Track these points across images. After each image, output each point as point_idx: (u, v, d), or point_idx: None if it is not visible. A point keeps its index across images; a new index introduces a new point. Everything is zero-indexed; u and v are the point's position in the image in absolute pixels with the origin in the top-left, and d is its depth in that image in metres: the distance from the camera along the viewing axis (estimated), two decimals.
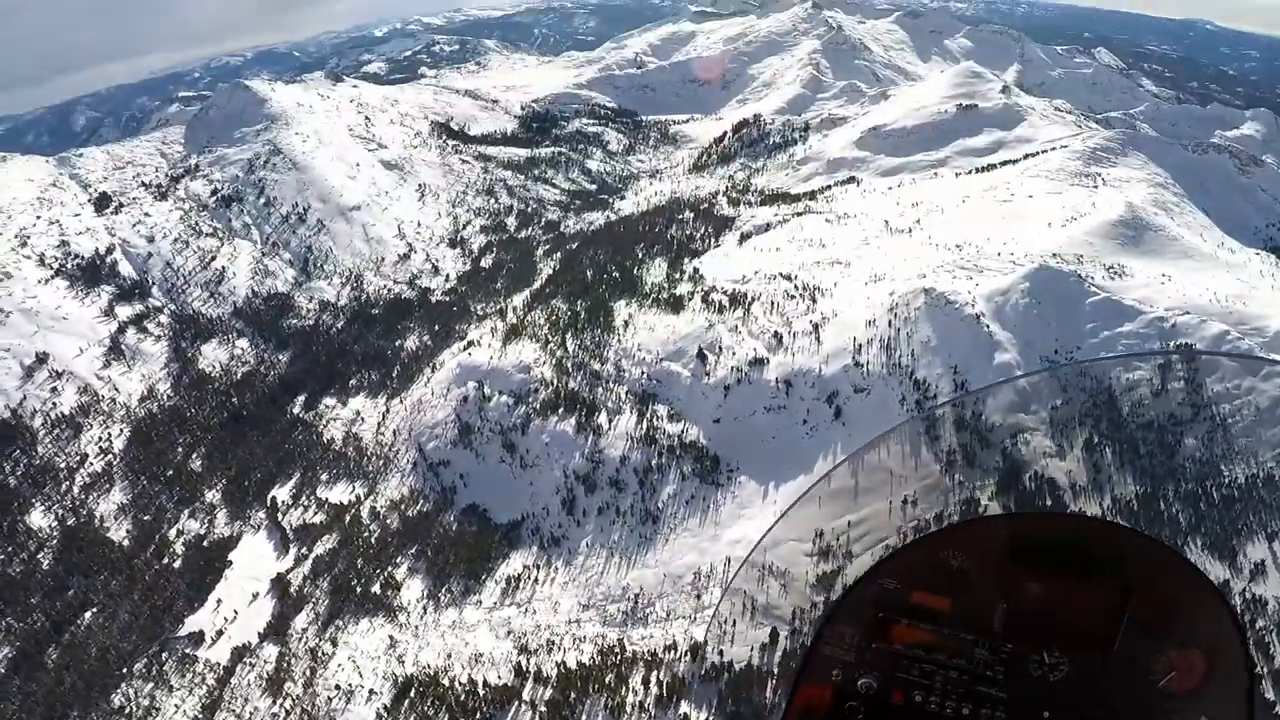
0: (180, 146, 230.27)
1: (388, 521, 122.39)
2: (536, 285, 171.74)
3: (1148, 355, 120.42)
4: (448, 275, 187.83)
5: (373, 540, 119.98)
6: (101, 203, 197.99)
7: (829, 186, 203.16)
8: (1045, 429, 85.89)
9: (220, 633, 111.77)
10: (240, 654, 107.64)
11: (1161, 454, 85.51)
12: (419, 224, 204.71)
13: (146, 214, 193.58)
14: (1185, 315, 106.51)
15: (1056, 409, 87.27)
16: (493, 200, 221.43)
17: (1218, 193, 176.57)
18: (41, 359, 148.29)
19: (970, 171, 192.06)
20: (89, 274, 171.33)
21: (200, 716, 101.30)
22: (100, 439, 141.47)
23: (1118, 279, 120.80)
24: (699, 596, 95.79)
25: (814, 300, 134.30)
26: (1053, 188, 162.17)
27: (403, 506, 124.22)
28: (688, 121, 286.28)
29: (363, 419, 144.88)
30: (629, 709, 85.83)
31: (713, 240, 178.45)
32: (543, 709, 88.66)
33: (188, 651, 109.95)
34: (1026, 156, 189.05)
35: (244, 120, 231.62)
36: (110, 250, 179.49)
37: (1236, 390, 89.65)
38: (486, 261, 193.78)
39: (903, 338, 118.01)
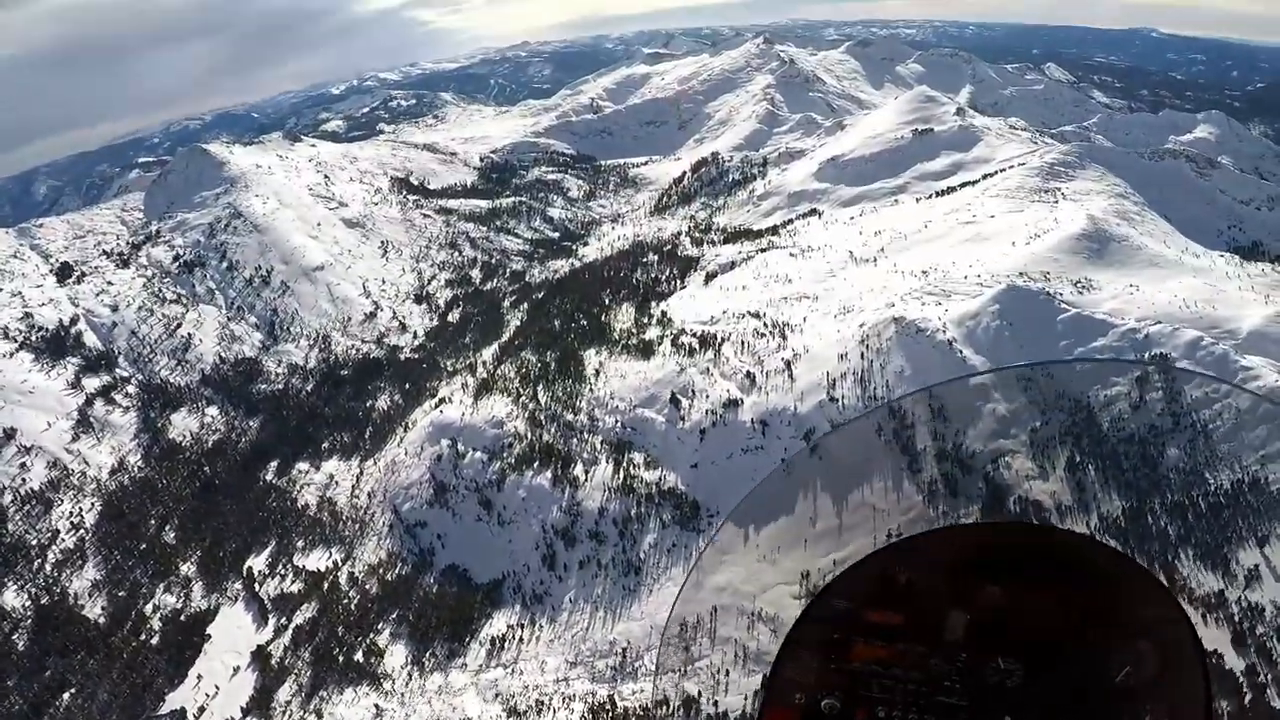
0: (140, 213, 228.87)
1: (367, 587, 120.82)
2: (505, 337, 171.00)
3: (1118, 363, 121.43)
4: (415, 332, 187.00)
5: (352, 607, 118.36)
6: (63, 273, 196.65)
7: (791, 220, 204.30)
8: (1026, 451, 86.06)
9: (202, 710, 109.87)
10: None
11: (1145, 467, 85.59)
12: (384, 281, 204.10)
13: (109, 283, 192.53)
14: (1157, 325, 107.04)
15: (1036, 430, 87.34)
16: (456, 253, 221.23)
17: (1177, 198, 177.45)
18: (9, 434, 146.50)
19: (930, 196, 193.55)
20: (54, 345, 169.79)
21: None
22: (71, 514, 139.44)
23: (1086, 293, 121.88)
24: (687, 648, 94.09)
25: (784, 337, 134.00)
26: (1014, 206, 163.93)
27: (381, 571, 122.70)
28: (646, 164, 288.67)
29: (336, 482, 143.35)
30: None
31: (678, 281, 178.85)
32: None
33: None
34: (985, 177, 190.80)
35: (203, 184, 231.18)
36: (74, 321, 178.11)
37: (1216, 395, 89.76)
38: (454, 316, 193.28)
39: (876, 369, 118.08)
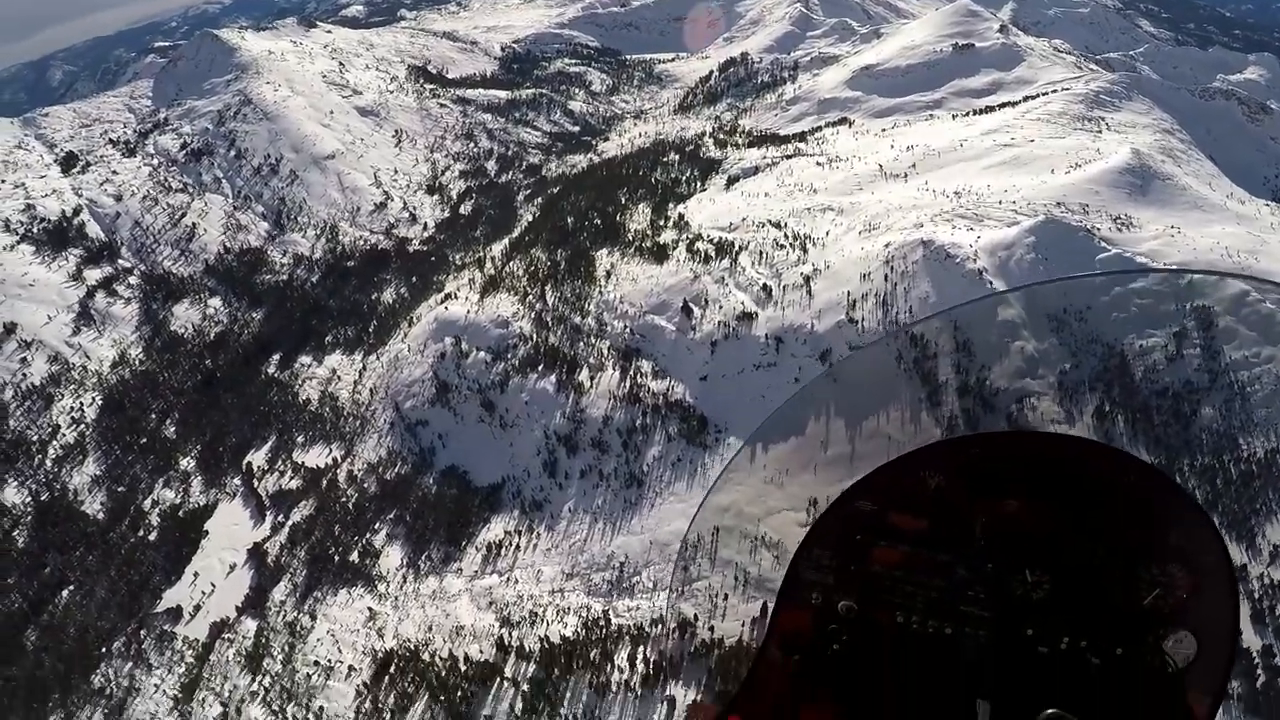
0: (149, 101, 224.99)
1: (365, 485, 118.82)
2: (516, 233, 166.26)
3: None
4: (425, 224, 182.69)
5: (350, 506, 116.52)
6: (68, 162, 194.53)
7: (819, 128, 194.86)
8: (1053, 394, 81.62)
9: (198, 607, 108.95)
10: (219, 629, 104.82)
11: (1176, 424, 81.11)
12: (396, 171, 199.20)
13: (114, 172, 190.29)
14: (1201, 274, 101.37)
15: (1065, 373, 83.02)
16: (472, 144, 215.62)
17: (1225, 141, 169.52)
18: (9, 329, 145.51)
19: (968, 114, 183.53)
20: (56, 237, 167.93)
21: (180, 696, 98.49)
22: (72, 409, 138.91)
23: (1125, 230, 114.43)
24: (686, 568, 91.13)
25: (805, 251, 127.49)
26: (1055, 132, 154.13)
27: (380, 469, 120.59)
28: (673, 60, 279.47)
29: (339, 377, 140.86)
30: (614, 688, 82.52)
31: (698, 184, 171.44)
32: (525, 687, 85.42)
33: (166, 628, 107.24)
34: (1026, 99, 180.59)
35: (214, 71, 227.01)
36: (77, 211, 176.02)
37: (1256, 358, 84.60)
38: (465, 208, 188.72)
39: (900, 293, 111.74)
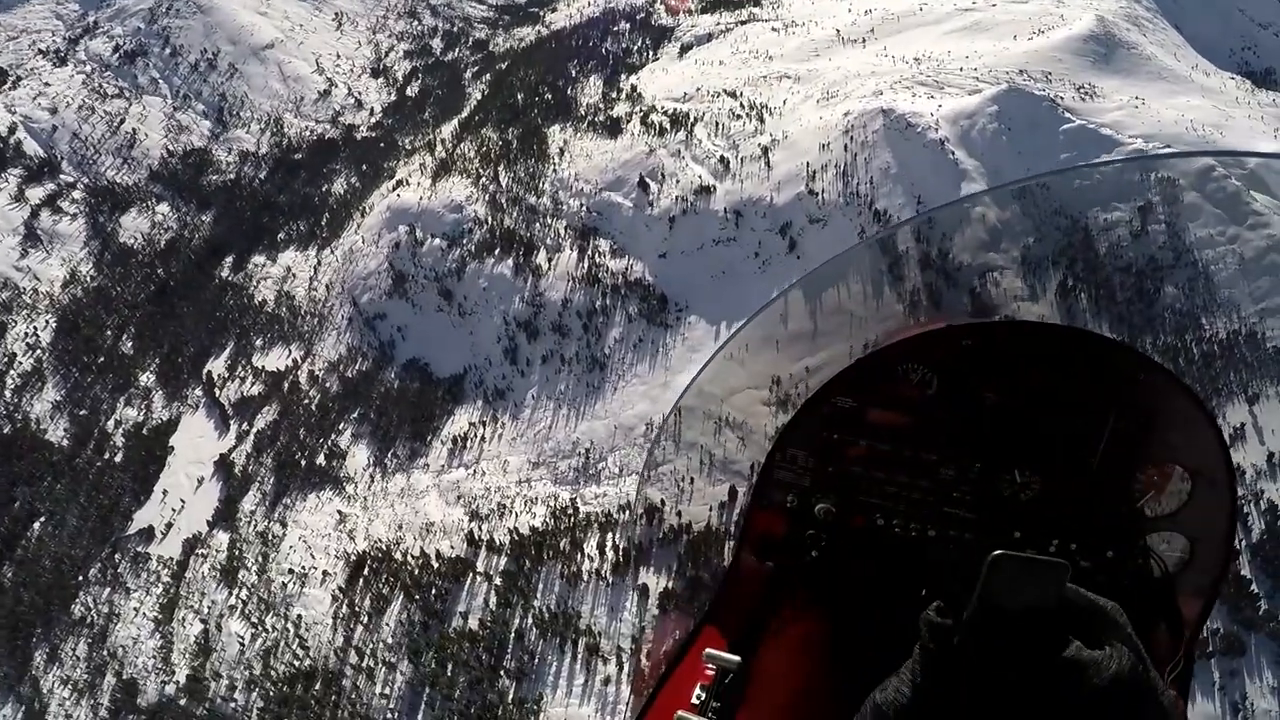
0: (76, 5, 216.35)
1: (327, 385, 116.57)
2: (465, 113, 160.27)
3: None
4: (372, 109, 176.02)
5: (313, 408, 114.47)
6: None
7: None
8: (1016, 269, 78.67)
9: (170, 525, 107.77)
10: (192, 546, 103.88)
11: (1140, 302, 79.10)
12: (338, 56, 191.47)
13: (47, 84, 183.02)
14: (1167, 147, 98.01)
15: (1029, 248, 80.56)
16: (416, 23, 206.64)
17: (1192, 10, 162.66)
18: None
19: None
20: None
21: (160, 618, 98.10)
22: (26, 335, 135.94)
23: (1089, 100, 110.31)
24: (650, 451, 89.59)
25: (762, 121, 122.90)
26: None
27: (341, 367, 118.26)
28: None
29: (294, 275, 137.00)
30: (585, 577, 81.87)
31: (650, 54, 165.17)
32: (498, 581, 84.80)
33: (139, 550, 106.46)
34: None
35: None
36: (13, 130, 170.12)
37: (1220, 237, 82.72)
38: (412, 90, 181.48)
39: (860, 164, 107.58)
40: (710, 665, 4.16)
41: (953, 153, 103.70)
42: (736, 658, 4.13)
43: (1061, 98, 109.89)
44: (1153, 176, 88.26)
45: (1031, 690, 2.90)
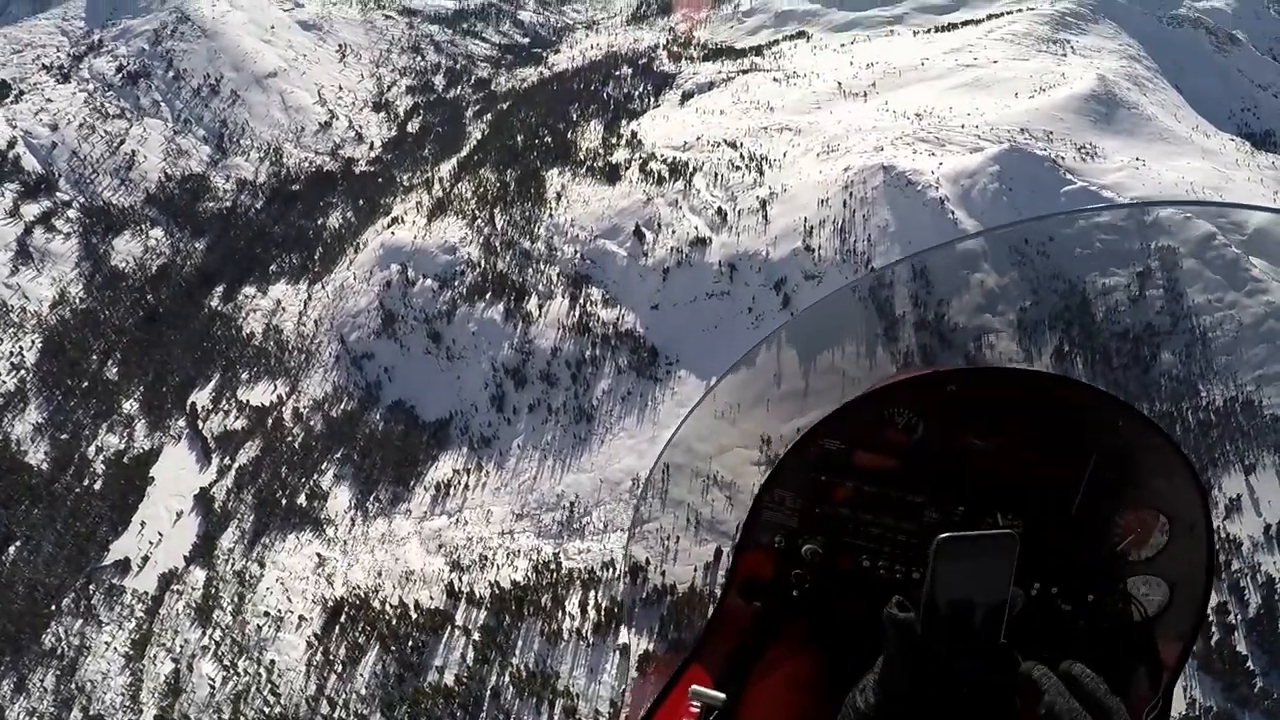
0: (83, 22, 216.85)
1: (311, 424, 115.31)
2: (465, 152, 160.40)
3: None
4: (372, 143, 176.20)
5: (297, 445, 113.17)
6: (0, 92, 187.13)
7: (777, 41, 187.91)
8: (1012, 332, 77.98)
9: (146, 559, 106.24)
10: (167, 581, 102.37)
11: (1136, 367, 78.61)
12: (340, 88, 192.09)
13: (49, 100, 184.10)
14: (1169, 210, 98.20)
15: (1025, 310, 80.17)
16: (419, 58, 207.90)
17: (1192, 70, 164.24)
18: None
19: (929, 30, 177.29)
20: None
21: (131, 653, 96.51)
22: (12, 354, 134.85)
23: (1090, 160, 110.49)
24: (637, 508, 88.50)
25: (761, 173, 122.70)
26: (1019, 53, 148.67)
27: (326, 406, 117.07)
28: None
29: (284, 308, 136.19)
30: (566, 635, 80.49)
31: (652, 100, 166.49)
32: (476, 636, 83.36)
33: (114, 582, 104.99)
34: (990, 17, 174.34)
35: None
36: (12, 144, 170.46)
37: (1219, 303, 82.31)
38: (413, 126, 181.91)
39: (858, 220, 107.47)
40: (695, 703, 4.07)
41: (952, 212, 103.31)
42: (722, 695, 4.07)
43: (1062, 157, 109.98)
44: (1152, 245, 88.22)
45: (992, 682, 3.15)
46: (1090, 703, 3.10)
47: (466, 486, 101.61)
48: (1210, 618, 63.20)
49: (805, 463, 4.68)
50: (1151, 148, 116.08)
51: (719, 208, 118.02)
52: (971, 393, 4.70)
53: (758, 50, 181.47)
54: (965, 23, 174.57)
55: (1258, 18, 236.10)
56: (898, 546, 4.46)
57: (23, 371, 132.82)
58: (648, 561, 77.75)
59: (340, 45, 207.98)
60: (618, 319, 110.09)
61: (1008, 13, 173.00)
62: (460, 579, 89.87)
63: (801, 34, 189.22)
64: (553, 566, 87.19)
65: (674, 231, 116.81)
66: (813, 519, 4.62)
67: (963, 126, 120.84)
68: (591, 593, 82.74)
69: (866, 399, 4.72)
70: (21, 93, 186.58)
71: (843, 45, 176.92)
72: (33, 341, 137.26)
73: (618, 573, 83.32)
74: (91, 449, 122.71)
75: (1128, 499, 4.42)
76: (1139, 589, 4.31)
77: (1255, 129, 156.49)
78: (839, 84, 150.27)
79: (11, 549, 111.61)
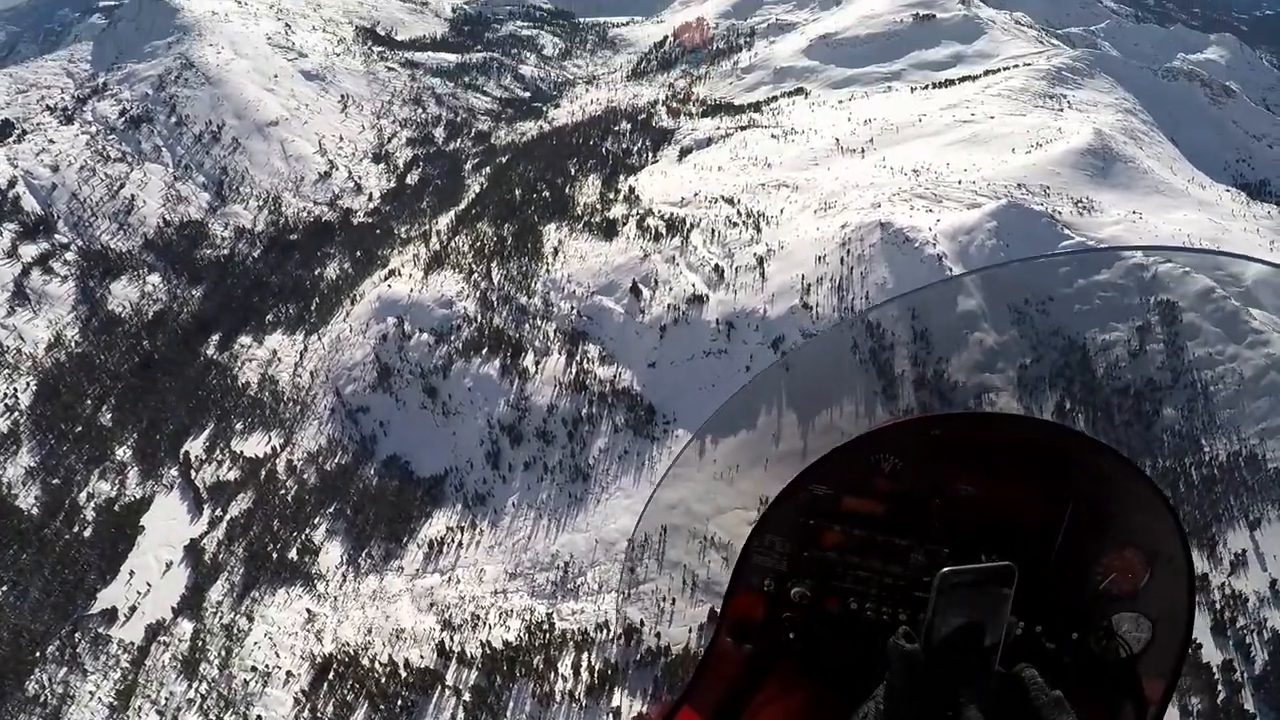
0: (88, 65, 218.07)
1: (305, 477, 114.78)
2: (463, 205, 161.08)
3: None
4: (371, 194, 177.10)
5: (289, 499, 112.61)
6: (3, 131, 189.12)
7: (775, 97, 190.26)
8: (1013, 390, 78.33)
9: (134, 608, 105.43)
10: (154, 632, 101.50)
11: (1138, 424, 78.71)
12: (341, 138, 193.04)
13: (51, 141, 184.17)
14: (1167, 264, 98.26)
15: (1025, 367, 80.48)
16: (420, 110, 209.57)
17: (1187, 123, 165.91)
18: None
19: (927, 87, 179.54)
20: None
21: (115, 704, 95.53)
22: (5, 395, 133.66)
23: (1087, 215, 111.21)
24: (633, 569, 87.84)
25: (758, 230, 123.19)
26: (1016, 109, 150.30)
27: (320, 459, 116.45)
28: (627, 24, 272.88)
29: (279, 359, 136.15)
30: (558, 697, 79.59)
31: (650, 155, 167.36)
32: (467, 696, 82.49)
33: (101, 631, 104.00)
34: (987, 73, 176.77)
35: (154, 33, 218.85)
36: (13, 184, 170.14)
37: (1219, 356, 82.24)
38: (412, 178, 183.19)
39: (856, 278, 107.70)
40: None
41: (950, 269, 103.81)
42: None
43: (1059, 212, 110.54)
44: (1152, 300, 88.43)
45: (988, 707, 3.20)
46: (1031, 710, 3.34)
47: (460, 544, 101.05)
48: (1215, 675, 63.01)
49: (794, 508, 4.88)
50: (1148, 200, 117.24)
51: (716, 264, 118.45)
52: (955, 437, 4.95)
53: (756, 106, 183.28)
54: (963, 79, 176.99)
55: (1251, 68, 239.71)
56: (885, 589, 4.58)
57: (16, 414, 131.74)
58: (642, 623, 77.68)
59: (342, 96, 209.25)
60: (615, 377, 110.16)
61: (1005, 69, 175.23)
62: (452, 638, 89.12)
63: (800, 90, 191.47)
64: (546, 627, 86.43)
65: (671, 288, 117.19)
66: (802, 563, 4.79)
67: (960, 182, 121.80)
68: (585, 654, 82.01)
69: (852, 445, 4.94)
70: (24, 133, 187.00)
71: (841, 102, 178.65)
72: (27, 384, 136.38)
73: (612, 634, 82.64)
74: (83, 495, 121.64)
75: (1109, 538, 4.59)
76: (1122, 626, 4.40)
77: (1250, 179, 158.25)
78: (837, 140, 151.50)
79: None
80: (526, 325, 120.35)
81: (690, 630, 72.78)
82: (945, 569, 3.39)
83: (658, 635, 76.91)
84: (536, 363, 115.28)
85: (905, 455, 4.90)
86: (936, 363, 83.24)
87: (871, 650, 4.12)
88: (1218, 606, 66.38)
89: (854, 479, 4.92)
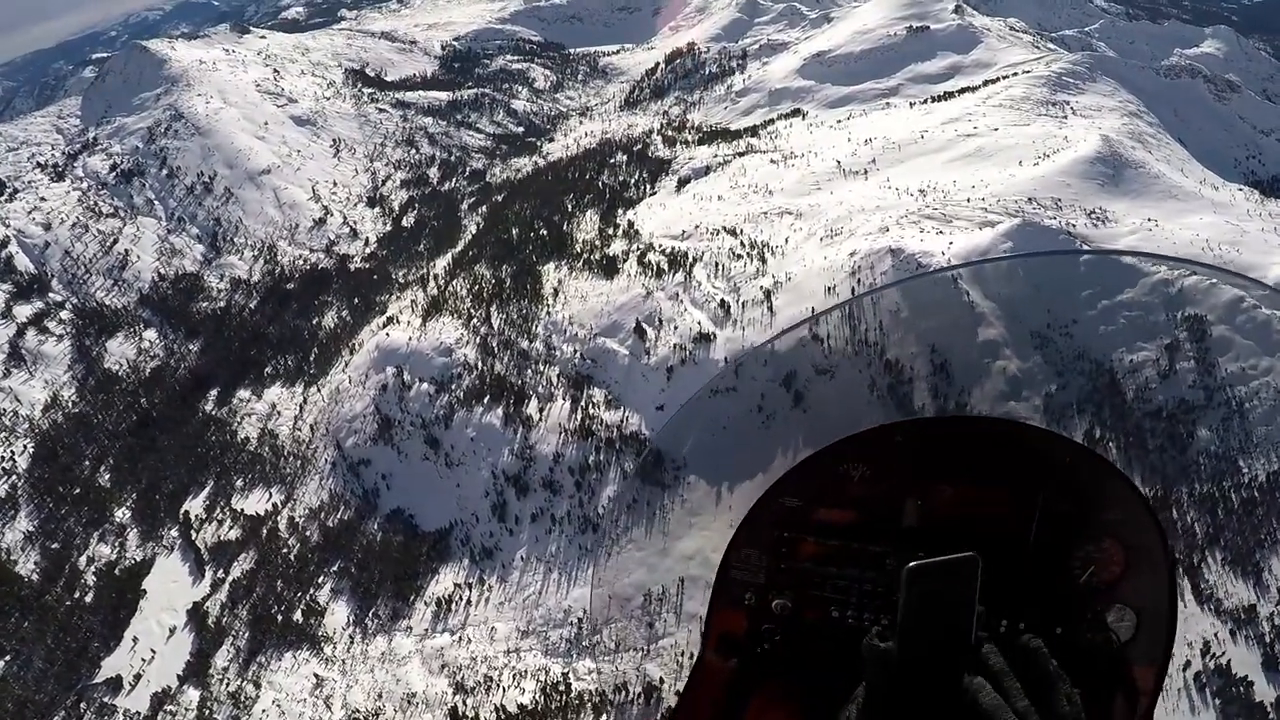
0: (78, 120, 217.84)
1: (307, 534, 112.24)
2: (460, 247, 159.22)
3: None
4: (367, 239, 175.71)
5: (292, 557, 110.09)
6: None
7: (772, 120, 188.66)
8: (1039, 419, 76.26)
9: (138, 677, 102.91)
10: (160, 701, 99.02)
11: (1172, 448, 76.38)
12: (335, 183, 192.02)
13: (43, 198, 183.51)
14: (1193, 276, 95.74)
15: (1051, 395, 78.53)
16: (413, 151, 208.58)
17: (1193, 121, 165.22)
18: None
19: (926, 101, 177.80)
20: None
21: None
22: (3, 459, 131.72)
23: (1101, 225, 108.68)
24: (650, 625, 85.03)
25: (764, 261, 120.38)
26: (1018, 119, 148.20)
27: (323, 515, 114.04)
28: (618, 53, 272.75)
29: (279, 412, 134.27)
30: None
31: (648, 187, 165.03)
32: None
33: (106, 700, 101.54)
34: (986, 83, 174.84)
35: (143, 85, 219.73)
36: (5, 243, 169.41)
37: (1253, 370, 79.68)
38: (408, 220, 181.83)
39: (868, 307, 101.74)
40: None
41: (967, 293, 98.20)
42: None
43: (1074, 225, 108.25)
44: (1179, 315, 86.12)
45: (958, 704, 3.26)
46: (1040, 675, 3.47)
47: (469, 601, 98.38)
48: (1270, 715, 61.14)
49: (768, 521, 4.97)
50: (1162, 206, 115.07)
51: (721, 300, 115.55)
52: (918, 442, 5.04)
53: (753, 131, 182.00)
54: (962, 90, 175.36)
55: (1249, 59, 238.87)
56: (864, 595, 4.55)
57: (14, 477, 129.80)
58: (661, 680, 75.25)
59: (334, 140, 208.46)
60: (621, 421, 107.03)
61: (1004, 77, 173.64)
62: (464, 702, 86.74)
63: (796, 112, 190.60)
64: (561, 688, 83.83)
65: (676, 327, 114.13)
66: (780, 575, 4.82)
67: (968, 200, 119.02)
68: (603, 716, 79.58)
69: (819, 456, 5.04)
70: (16, 191, 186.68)
71: (839, 121, 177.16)
72: (24, 446, 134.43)
73: (631, 695, 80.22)
74: (83, 559, 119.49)
75: (1083, 530, 4.56)
76: (1108, 617, 4.33)
77: (1262, 175, 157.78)
78: (838, 162, 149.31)
79: (1, 663, 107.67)
80: (528, 371, 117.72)
81: None
82: (910, 564, 3.39)
83: (678, 693, 74.69)
84: (540, 409, 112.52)
85: (872, 463, 4.96)
86: (958, 395, 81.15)
87: (854, 656, 4.07)
88: (1268, 639, 64.06)
89: (825, 489, 4.99)
